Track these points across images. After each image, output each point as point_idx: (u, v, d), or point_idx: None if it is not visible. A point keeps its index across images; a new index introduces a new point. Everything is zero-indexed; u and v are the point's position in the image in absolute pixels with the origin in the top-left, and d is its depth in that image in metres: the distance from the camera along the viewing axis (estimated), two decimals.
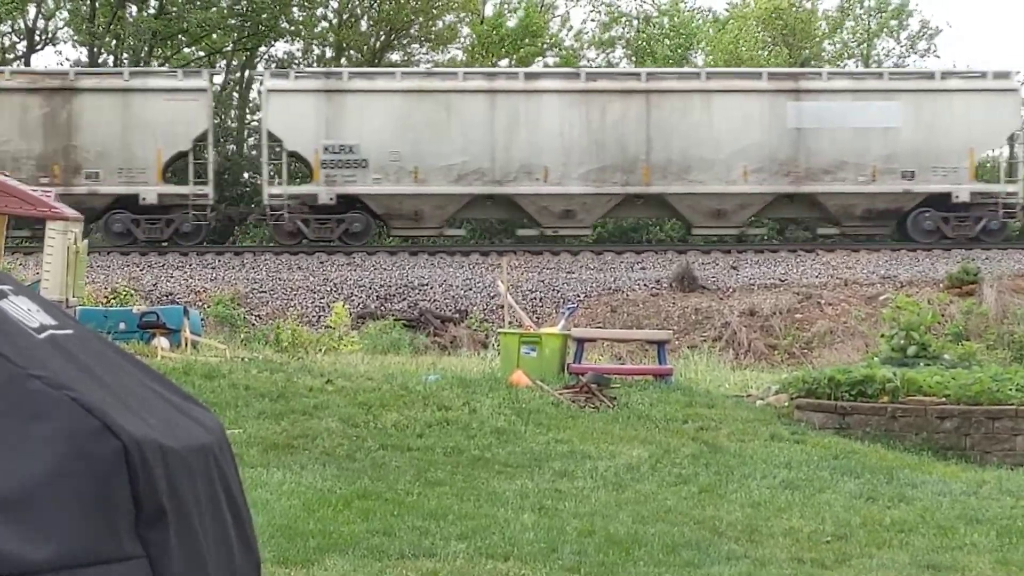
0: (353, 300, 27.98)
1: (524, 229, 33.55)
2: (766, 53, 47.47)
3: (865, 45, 50.76)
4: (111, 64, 43.48)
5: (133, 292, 26.44)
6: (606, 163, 32.62)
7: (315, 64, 46.52)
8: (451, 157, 32.33)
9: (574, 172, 32.57)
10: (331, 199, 32.08)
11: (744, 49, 47.52)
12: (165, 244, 32.12)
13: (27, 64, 44.08)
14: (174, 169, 33.50)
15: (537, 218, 32.86)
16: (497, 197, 32.84)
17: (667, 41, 50.84)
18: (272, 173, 32.70)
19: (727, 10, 52.38)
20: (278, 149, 32.83)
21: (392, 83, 33.09)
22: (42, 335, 1.95)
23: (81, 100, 32.37)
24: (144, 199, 31.99)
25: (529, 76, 34.39)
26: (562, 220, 32.79)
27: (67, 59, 48.13)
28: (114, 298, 25.37)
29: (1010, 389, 13.61)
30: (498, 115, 32.49)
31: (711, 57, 49.17)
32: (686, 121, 32.61)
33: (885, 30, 50.91)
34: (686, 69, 39.21)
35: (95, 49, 44.36)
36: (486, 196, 32.83)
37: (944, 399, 13.57)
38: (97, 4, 44.49)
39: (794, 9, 49.41)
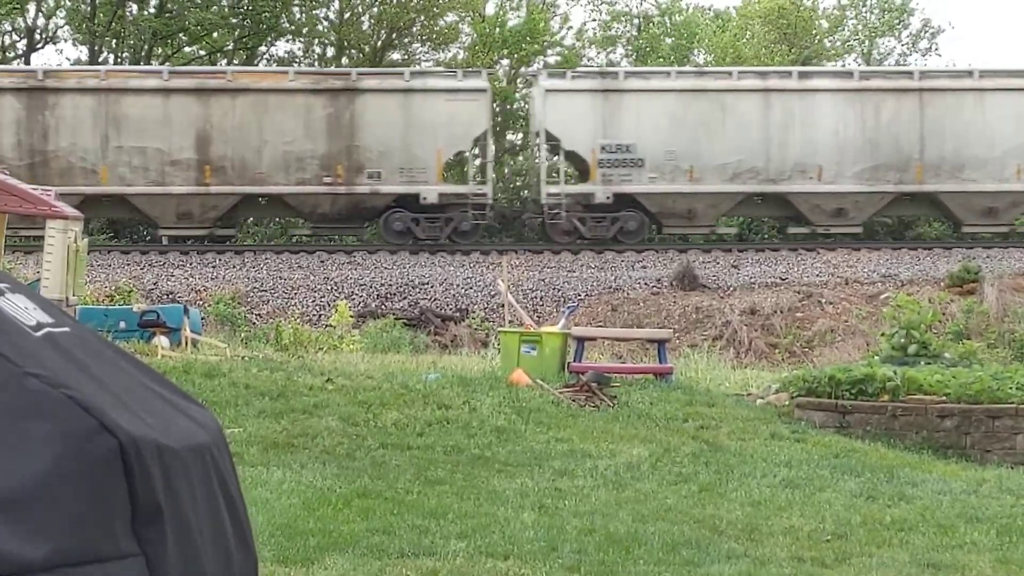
0: (354, 299, 27.96)
1: (794, 227, 33.84)
2: (768, 52, 47.44)
3: (867, 43, 50.74)
4: (111, 62, 43.49)
5: (134, 291, 26.42)
6: (879, 162, 32.83)
7: (315, 63, 46.52)
8: (725, 156, 32.57)
9: (848, 171, 32.76)
10: (608, 198, 32.33)
11: (747, 48, 47.49)
12: (445, 242, 32.29)
13: (27, 63, 44.08)
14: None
15: (809, 216, 33.07)
16: (768, 195, 33.04)
17: (668, 40, 50.84)
18: (550, 172, 32.97)
19: (736, 9, 52.45)
20: (556, 148, 33.05)
21: (667, 82, 33.33)
22: (39, 333, 1.94)
23: (364, 100, 32.53)
24: (424, 198, 32.19)
25: (802, 75, 34.41)
26: (833, 218, 33.02)
27: (67, 58, 48.18)
28: (117, 297, 25.33)
29: (1010, 388, 13.60)
30: (772, 114, 32.75)
31: (712, 56, 49.16)
32: (959, 119, 32.84)
33: (889, 29, 50.88)
34: (958, 68, 38.94)
35: (95, 48, 44.36)
36: (757, 194, 33.06)
37: (944, 398, 13.56)
38: (97, 2, 44.50)
39: (796, 8, 49.37)
